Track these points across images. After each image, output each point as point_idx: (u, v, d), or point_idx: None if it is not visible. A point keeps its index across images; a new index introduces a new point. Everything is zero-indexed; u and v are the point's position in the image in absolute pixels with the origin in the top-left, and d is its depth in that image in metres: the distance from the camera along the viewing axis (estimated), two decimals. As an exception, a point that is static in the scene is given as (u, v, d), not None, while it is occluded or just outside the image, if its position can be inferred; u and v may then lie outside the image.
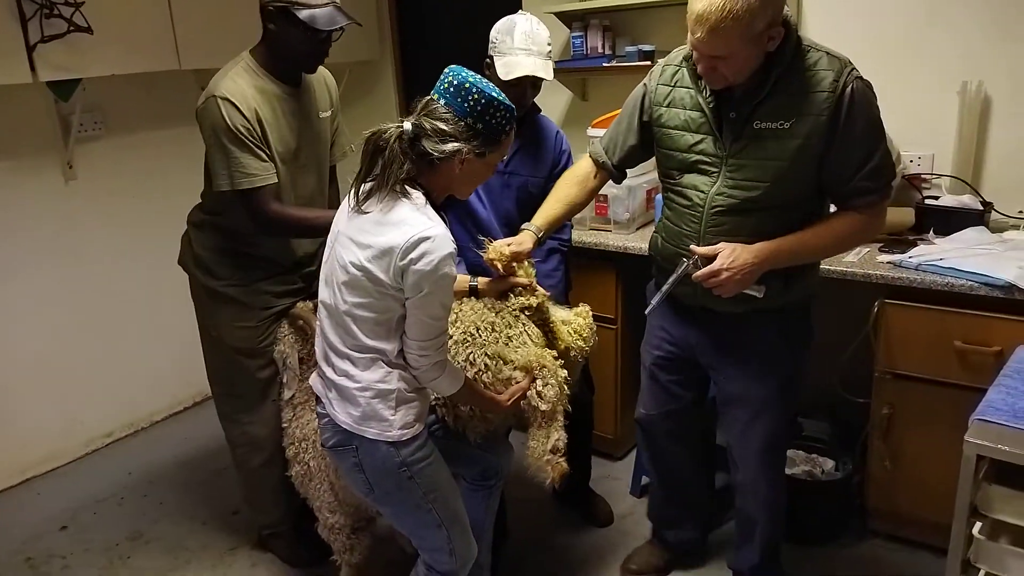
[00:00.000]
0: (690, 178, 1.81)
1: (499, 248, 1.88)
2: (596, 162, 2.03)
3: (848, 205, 1.74)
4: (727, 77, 1.64)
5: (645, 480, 2.80)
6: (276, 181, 2.05)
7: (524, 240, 1.92)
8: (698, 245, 1.78)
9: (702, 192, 1.78)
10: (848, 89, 1.63)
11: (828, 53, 1.67)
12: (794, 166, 1.68)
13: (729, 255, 1.70)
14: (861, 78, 1.66)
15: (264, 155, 2.02)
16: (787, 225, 1.74)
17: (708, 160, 1.77)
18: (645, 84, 1.91)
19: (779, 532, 2.15)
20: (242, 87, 2.00)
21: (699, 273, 1.72)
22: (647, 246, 2.08)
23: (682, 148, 1.81)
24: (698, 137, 1.78)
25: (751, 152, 1.71)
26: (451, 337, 1.81)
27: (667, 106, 1.84)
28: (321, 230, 2.00)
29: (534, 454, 1.77)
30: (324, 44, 2.02)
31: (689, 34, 1.61)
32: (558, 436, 1.77)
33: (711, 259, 1.72)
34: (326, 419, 1.67)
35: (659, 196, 2.19)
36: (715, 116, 1.74)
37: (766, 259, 1.70)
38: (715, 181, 1.76)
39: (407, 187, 1.49)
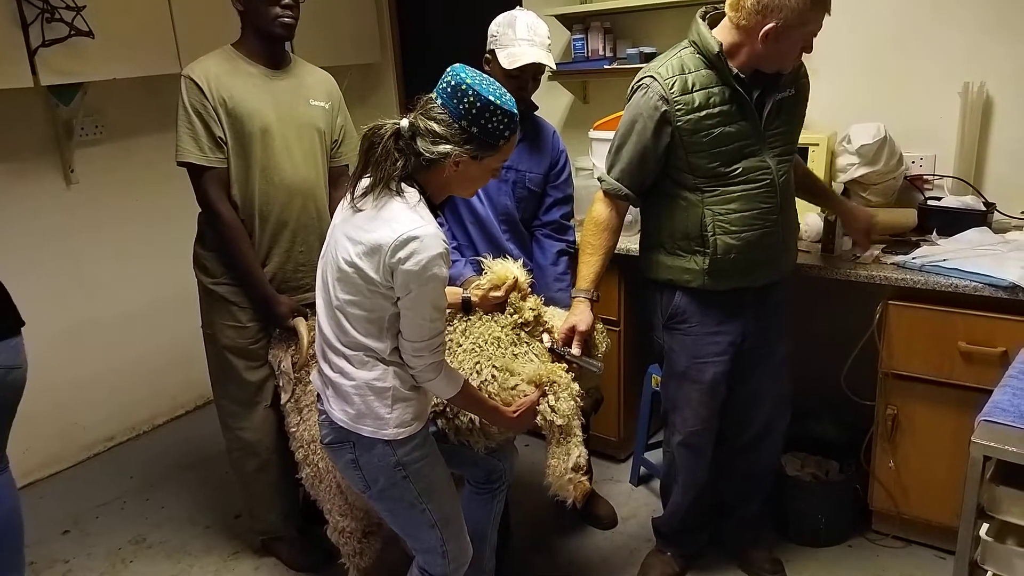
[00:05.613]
0: (746, 163, 1.90)
1: (480, 284, 1.88)
2: (618, 197, 1.99)
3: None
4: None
5: (644, 471, 2.83)
6: (221, 167, 2.13)
7: (583, 314, 1.93)
8: (777, 216, 1.94)
9: (767, 168, 1.91)
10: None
11: None
12: (801, 124, 2.01)
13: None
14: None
15: (217, 139, 2.10)
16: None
17: (751, 142, 1.89)
18: (657, 107, 1.85)
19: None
20: (209, 66, 2.11)
21: None
22: None
23: (726, 142, 1.88)
24: (735, 127, 1.87)
25: (780, 122, 1.92)
26: (460, 346, 1.80)
27: (698, 110, 1.85)
28: (242, 261, 2.13)
29: (555, 472, 1.73)
30: (287, 8, 2.11)
31: (813, 23, 1.75)
32: (579, 453, 1.74)
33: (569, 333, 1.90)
34: (323, 416, 1.66)
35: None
36: (747, 101, 1.86)
37: None
38: (764, 156, 1.91)
39: (403, 185, 1.48)
